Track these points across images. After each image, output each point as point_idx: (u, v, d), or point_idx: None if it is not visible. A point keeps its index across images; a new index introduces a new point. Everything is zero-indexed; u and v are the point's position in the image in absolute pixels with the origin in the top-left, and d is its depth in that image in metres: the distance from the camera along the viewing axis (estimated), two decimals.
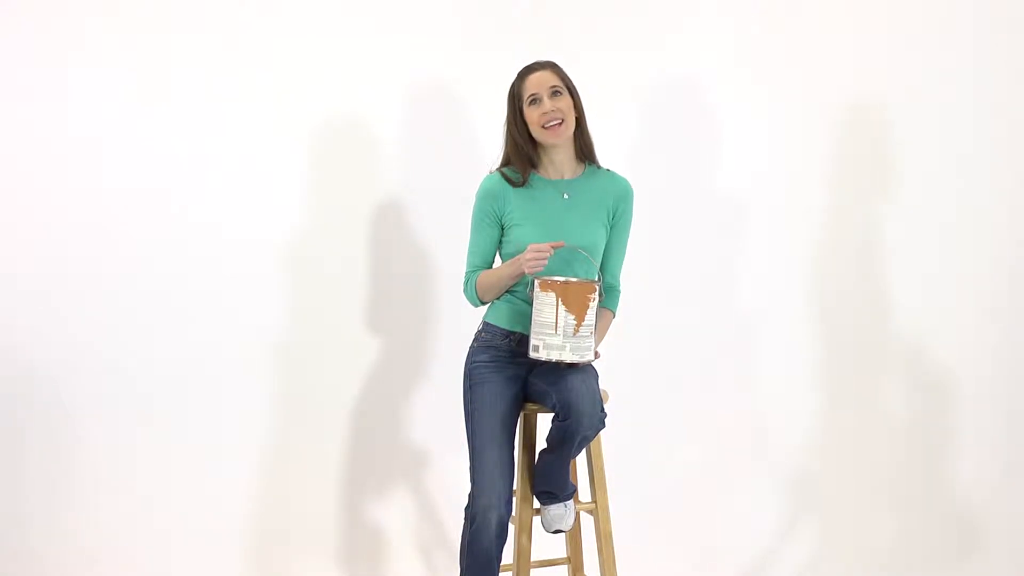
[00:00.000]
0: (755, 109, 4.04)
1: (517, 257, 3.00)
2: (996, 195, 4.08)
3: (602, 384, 3.32)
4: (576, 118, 3.10)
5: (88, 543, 3.75)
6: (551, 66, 3.09)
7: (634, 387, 3.88)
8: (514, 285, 3.10)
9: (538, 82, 3.05)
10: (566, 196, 3.11)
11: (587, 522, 3.33)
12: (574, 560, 3.36)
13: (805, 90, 4.04)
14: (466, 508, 3.00)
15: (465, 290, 3.16)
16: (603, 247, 3.15)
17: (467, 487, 3.00)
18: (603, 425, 2.96)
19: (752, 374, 4.08)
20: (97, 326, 3.76)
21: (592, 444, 3.15)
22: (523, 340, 3.08)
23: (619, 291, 3.24)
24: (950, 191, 4.06)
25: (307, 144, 3.86)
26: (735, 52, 4.01)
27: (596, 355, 2.98)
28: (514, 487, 3.01)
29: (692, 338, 4.06)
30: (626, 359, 3.95)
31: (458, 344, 3.34)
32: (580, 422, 2.86)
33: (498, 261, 3.21)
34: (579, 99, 3.11)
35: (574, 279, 2.94)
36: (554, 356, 2.88)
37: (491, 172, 3.14)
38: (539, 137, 3.08)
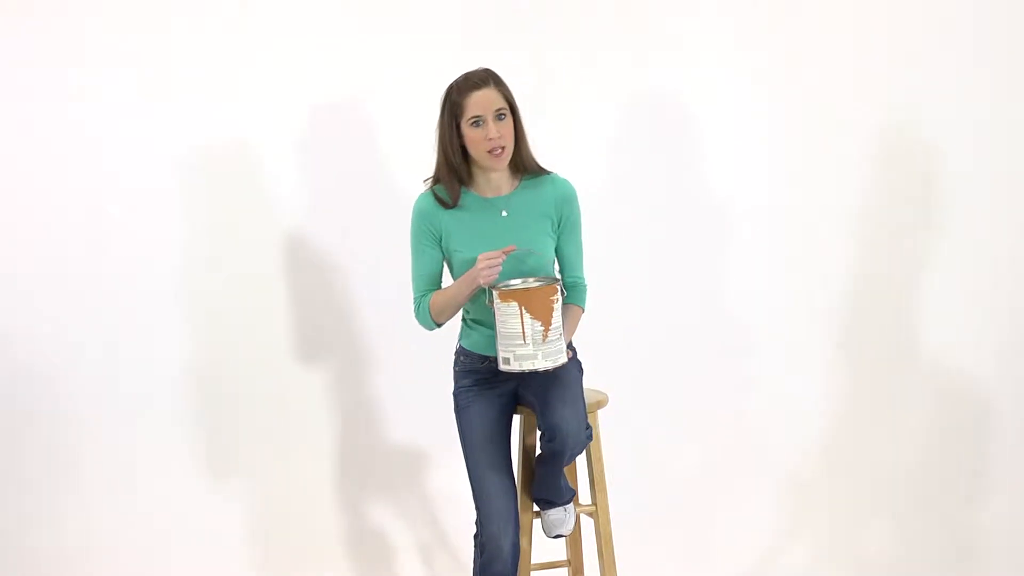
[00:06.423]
0: (761, 108, 4.02)
1: (470, 271, 2.86)
2: (1003, 195, 4.02)
3: (602, 386, 3.33)
4: (516, 134, 2.93)
5: (88, 543, 3.76)
6: (494, 82, 2.90)
7: (635, 389, 3.88)
8: (481, 315, 2.99)
9: (484, 103, 2.86)
10: (504, 214, 2.97)
11: (587, 524, 3.33)
12: (574, 562, 3.35)
13: (813, 90, 4.00)
14: (475, 536, 2.99)
15: (417, 315, 3.01)
16: (553, 256, 3.03)
17: (467, 487, 2.99)
18: (589, 440, 2.94)
19: (753, 376, 4.07)
20: (97, 326, 3.76)
21: (592, 446, 3.14)
22: None
23: (585, 286, 3.10)
24: (956, 191, 4.02)
25: (308, 144, 3.86)
26: (734, 53, 3.99)
27: (569, 354, 2.89)
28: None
29: (693, 340, 4.05)
30: (627, 360, 3.96)
31: (456, 343, 3.32)
32: (565, 443, 2.83)
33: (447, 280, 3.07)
34: (519, 114, 2.94)
35: (534, 283, 2.79)
36: (527, 366, 2.76)
37: (424, 192, 3.00)
38: (479, 160, 2.91)
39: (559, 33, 3.95)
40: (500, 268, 2.81)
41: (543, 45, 3.95)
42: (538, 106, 3.80)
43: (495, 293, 2.77)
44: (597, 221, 3.81)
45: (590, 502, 3.17)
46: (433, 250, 2.98)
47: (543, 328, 2.74)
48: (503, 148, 2.89)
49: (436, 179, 2.98)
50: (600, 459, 3.16)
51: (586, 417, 2.91)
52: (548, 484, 2.99)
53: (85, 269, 3.75)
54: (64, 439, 3.76)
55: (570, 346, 3.05)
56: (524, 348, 2.75)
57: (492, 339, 2.93)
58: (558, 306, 2.77)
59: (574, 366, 3.01)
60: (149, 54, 3.74)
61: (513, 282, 2.82)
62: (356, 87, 3.88)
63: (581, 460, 3.24)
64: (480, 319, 3.02)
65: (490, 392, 3.02)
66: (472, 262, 2.89)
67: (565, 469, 3.03)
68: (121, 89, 3.74)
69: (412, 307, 3.03)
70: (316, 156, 3.88)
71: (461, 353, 3.09)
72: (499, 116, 2.87)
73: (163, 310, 3.80)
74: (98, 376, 3.77)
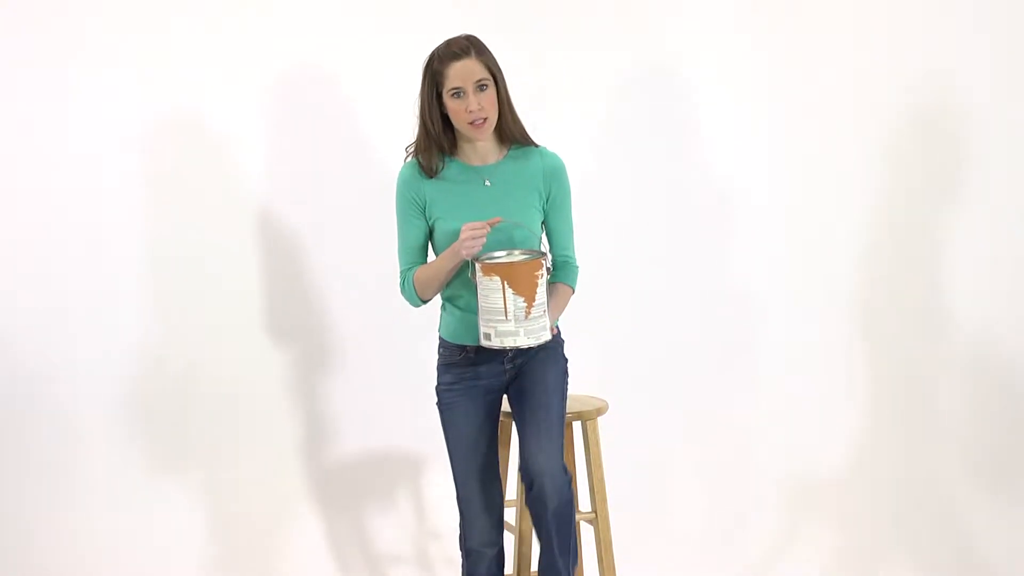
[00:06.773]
0: (762, 107, 4.01)
1: (454, 243, 2.76)
2: (1007, 192, 3.99)
3: (603, 392, 3.34)
4: (500, 103, 2.82)
5: (88, 543, 3.77)
6: (476, 51, 2.79)
7: (634, 394, 3.88)
8: (454, 292, 2.88)
9: (464, 74, 2.75)
10: (488, 183, 2.86)
11: (587, 531, 3.34)
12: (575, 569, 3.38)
13: (814, 90, 3.99)
14: (459, 539, 2.98)
15: (403, 290, 2.90)
16: (539, 230, 2.90)
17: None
18: (568, 489, 2.79)
19: (754, 378, 4.06)
20: (97, 326, 3.77)
21: (592, 452, 3.15)
22: (479, 351, 2.85)
23: (576, 265, 2.98)
24: (963, 185, 3.98)
25: (309, 142, 3.86)
26: (734, 53, 3.99)
27: (553, 331, 2.79)
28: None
29: (694, 341, 4.04)
30: (628, 363, 3.96)
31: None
32: (543, 487, 2.73)
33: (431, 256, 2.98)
34: (504, 82, 2.83)
35: (518, 257, 2.69)
36: (508, 343, 2.67)
37: (408, 161, 2.91)
38: (461, 130, 2.82)
39: (559, 33, 3.94)
40: (484, 240, 2.71)
41: (543, 45, 3.93)
42: (538, 105, 3.81)
43: (478, 266, 2.68)
44: (597, 220, 3.83)
45: (590, 509, 3.19)
46: (418, 220, 2.88)
47: (526, 304, 2.65)
48: (485, 119, 2.79)
49: (418, 150, 2.90)
50: (600, 465, 3.17)
51: (564, 464, 2.79)
52: (549, 568, 2.85)
53: (85, 269, 3.75)
54: (64, 439, 3.76)
55: (557, 329, 2.94)
56: (506, 324, 2.66)
57: (467, 323, 2.84)
58: (543, 282, 2.68)
59: (560, 377, 2.91)
60: (149, 54, 3.73)
61: (497, 255, 2.73)
62: (355, 86, 3.87)
63: (581, 466, 3.25)
64: (453, 296, 2.90)
65: (475, 390, 2.89)
66: (453, 233, 2.81)
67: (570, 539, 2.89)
68: (121, 89, 3.73)
69: (398, 282, 2.94)
70: (318, 154, 3.88)
71: (441, 344, 2.96)
72: (481, 87, 2.77)
73: (163, 309, 3.81)
74: (98, 376, 3.77)
